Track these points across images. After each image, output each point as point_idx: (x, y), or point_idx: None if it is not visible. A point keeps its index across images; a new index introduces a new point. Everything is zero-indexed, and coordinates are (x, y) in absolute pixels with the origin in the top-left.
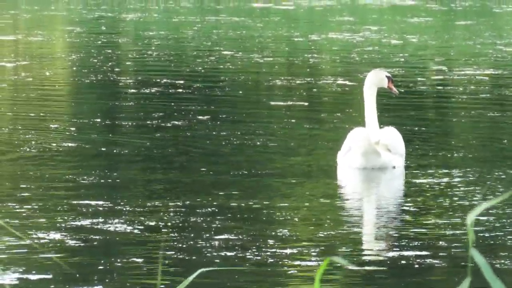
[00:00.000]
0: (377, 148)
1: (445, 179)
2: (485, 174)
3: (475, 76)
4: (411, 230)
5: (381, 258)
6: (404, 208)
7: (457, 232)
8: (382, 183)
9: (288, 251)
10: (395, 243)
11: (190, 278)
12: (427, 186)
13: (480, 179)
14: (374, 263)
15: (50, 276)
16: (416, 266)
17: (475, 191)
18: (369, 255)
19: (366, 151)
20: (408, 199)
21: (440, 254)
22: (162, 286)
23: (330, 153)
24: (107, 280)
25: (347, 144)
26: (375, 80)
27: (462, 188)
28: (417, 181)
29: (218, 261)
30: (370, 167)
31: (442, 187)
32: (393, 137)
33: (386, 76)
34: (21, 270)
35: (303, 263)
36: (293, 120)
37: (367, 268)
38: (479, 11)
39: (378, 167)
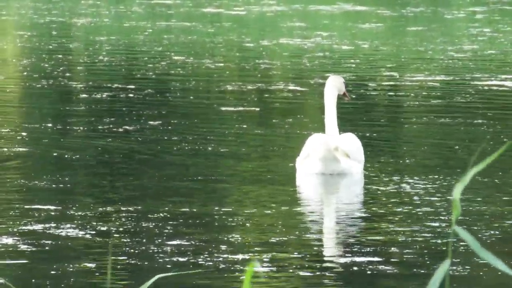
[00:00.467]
0: (336, 154)
1: (402, 185)
2: (438, 181)
3: (426, 82)
4: (365, 237)
5: (332, 264)
6: (360, 214)
7: (410, 239)
8: (340, 189)
9: (240, 256)
10: (348, 249)
11: (148, 283)
12: (383, 192)
13: (434, 186)
14: (326, 268)
15: (0, 281)
16: (368, 272)
17: (430, 197)
18: (320, 260)
19: (325, 156)
20: (365, 205)
21: (392, 260)
22: None
23: (283, 158)
24: (58, 285)
25: (306, 150)
26: (337, 85)
27: (416, 195)
28: (374, 187)
29: (170, 266)
30: (328, 173)
31: (397, 193)
32: (352, 143)
33: (343, 82)
34: None
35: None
36: (244, 126)
37: (317, 273)
38: (430, 17)
39: (337, 173)
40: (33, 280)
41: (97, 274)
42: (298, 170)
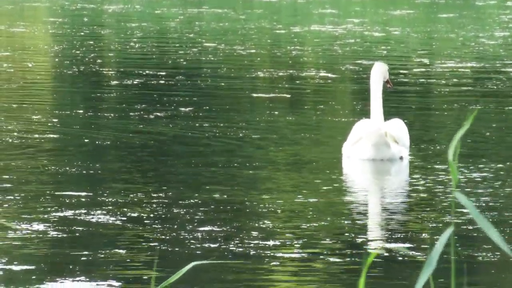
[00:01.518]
0: (388, 140)
1: (440, 173)
2: (480, 166)
3: (457, 68)
4: (404, 225)
5: (362, 251)
6: (404, 201)
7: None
8: (392, 174)
9: (271, 243)
10: (383, 237)
11: (183, 270)
12: (426, 180)
13: (479, 172)
14: (357, 255)
15: (33, 267)
16: (401, 260)
17: (476, 184)
18: (352, 247)
19: (377, 142)
20: (410, 193)
21: (424, 247)
22: (146, 278)
23: (314, 145)
24: (90, 272)
25: (354, 136)
26: (383, 72)
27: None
28: (416, 175)
29: (201, 253)
30: (379, 158)
31: (440, 182)
32: (400, 128)
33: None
34: (4, 261)
35: (287, 255)
36: (275, 112)
37: (347, 259)
38: (461, 4)
39: (387, 159)
40: (64, 267)
41: (128, 261)
42: (344, 156)
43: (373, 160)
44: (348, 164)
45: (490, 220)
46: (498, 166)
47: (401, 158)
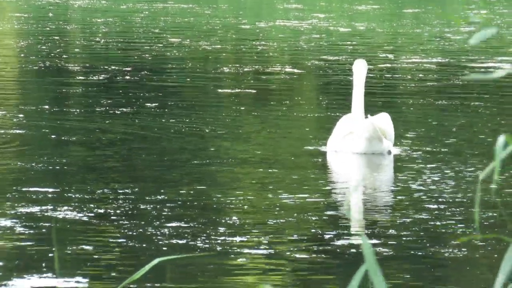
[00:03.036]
0: (380, 134)
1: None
2: (445, 164)
3: (422, 64)
4: (374, 219)
5: (329, 247)
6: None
7: (438, 223)
8: (380, 168)
9: (238, 239)
10: (350, 231)
11: (147, 267)
12: (417, 172)
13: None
14: (323, 251)
15: (0, 263)
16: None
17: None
18: (319, 243)
19: (371, 136)
20: (398, 186)
21: (390, 243)
22: (114, 274)
23: (280, 140)
24: (56, 268)
25: (340, 130)
26: (364, 68)
27: (442, 181)
28: (410, 166)
29: (168, 249)
30: (371, 152)
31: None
32: (388, 123)
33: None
34: None
35: (253, 251)
36: (241, 108)
37: (313, 255)
38: None
39: (378, 153)
40: (31, 263)
41: (95, 256)
42: (330, 150)
43: (364, 154)
44: (334, 158)
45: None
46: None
47: (389, 152)
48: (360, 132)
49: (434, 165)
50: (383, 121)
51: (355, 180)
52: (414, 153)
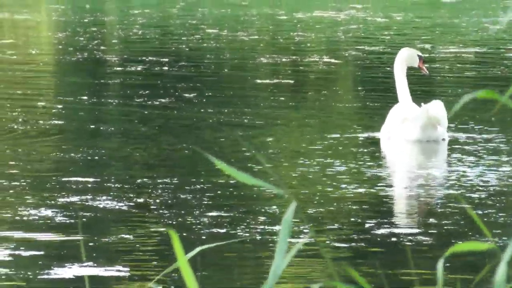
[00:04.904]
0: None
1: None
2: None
3: (460, 53)
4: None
5: (369, 236)
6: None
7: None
8: (435, 155)
9: (278, 227)
10: (390, 220)
11: (189, 255)
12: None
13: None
14: (364, 240)
15: (40, 253)
16: (408, 244)
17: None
18: (359, 233)
19: (425, 124)
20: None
21: (436, 232)
22: (155, 263)
23: (318, 130)
24: (97, 258)
25: (395, 117)
26: (406, 58)
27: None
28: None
29: (208, 238)
30: (426, 139)
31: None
32: (442, 110)
33: (418, 55)
34: (11, 247)
35: (293, 240)
36: (279, 98)
37: (353, 244)
38: None
39: (432, 140)
40: (71, 253)
41: (136, 245)
42: (384, 137)
43: (419, 141)
44: (387, 146)
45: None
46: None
47: (443, 139)
48: (415, 119)
49: (489, 152)
50: (437, 108)
51: (408, 168)
52: (468, 140)
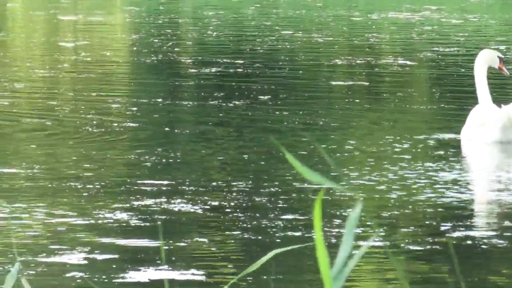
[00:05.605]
0: None
1: None
2: None
3: None
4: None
5: (444, 239)
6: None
7: None
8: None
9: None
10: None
11: (263, 259)
12: None
13: None
14: (438, 243)
15: (115, 256)
16: (482, 247)
17: None
18: (434, 235)
19: (505, 125)
20: None
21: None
22: (230, 267)
23: (394, 132)
24: (171, 261)
25: (475, 119)
26: (487, 59)
27: None
28: None
29: (283, 241)
30: (506, 141)
31: None
32: None
33: (498, 57)
34: (86, 250)
35: (367, 242)
36: (354, 100)
37: (428, 247)
38: None
39: None
40: (146, 256)
41: (213, 249)
42: (464, 139)
43: (499, 143)
44: (467, 148)
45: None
46: None
47: None
48: (495, 121)
49: None
50: None
51: (487, 170)
52: None
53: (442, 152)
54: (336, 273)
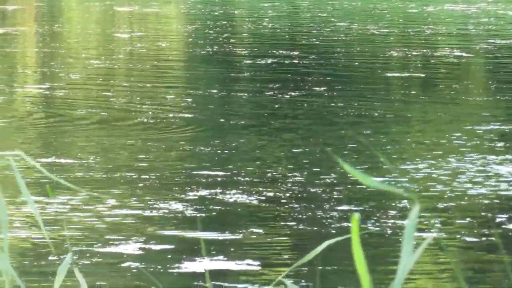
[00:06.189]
0: None
1: None
2: None
3: None
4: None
5: (500, 230)
6: None
7: None
8: None
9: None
10: None
11: (318, 249)
12: None
13: None
14: (494, 235)
15: (171, 247)
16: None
17: None
18: (489, 227)
19: None
20: None
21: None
22: (285, 257)
23: (451, 124)
24: (227, 252)
25: None
26: None
27: None
28: None
29: (337, 231)
30: None
31: None
32: None
33: None
34: (141, 240)
35: (423, 234)
36: (410, 92)
37: (483, 239)
38: None
39: None
40: (201, 247)
41: (268, 239)
42: None
43: None
44: None
45: None
46: None
47: None
48: None
49: None
50: None
51: None
52: None
53: (500, 144)
54: (400, 272)
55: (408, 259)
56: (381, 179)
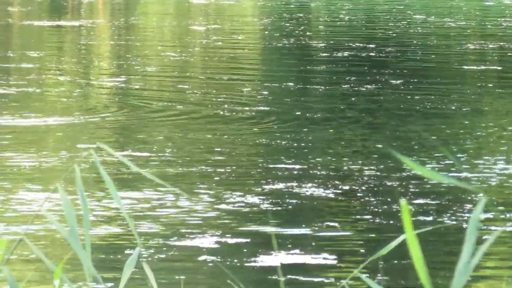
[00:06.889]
0: None
1: None
2: None
3: None
4: None
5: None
6: None
7: None
8: None
9: (487, 215)
10: None
11: (394, 243)
12: None
13: None
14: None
15: (246, 240)
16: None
17: None
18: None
19: None
20: None
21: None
22: (362, 251)
23: None
24: (303, 245)
25: None
26: None
27: None
28: None
29: (413, 225)
30: None
31: None
32: None
33: None
34: (217, 234)
35: (495, 228)
36: (487, 84)
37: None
38: None
39: None
40: (277, 240)
41: (343, 233)
42: None
43: None
44: None
45: None
46: None
47: None
48: None
49: None
50: None
51: None
52: None
53: None
54: (461, 269)
55: (468, 254)
56: (453, 174)
